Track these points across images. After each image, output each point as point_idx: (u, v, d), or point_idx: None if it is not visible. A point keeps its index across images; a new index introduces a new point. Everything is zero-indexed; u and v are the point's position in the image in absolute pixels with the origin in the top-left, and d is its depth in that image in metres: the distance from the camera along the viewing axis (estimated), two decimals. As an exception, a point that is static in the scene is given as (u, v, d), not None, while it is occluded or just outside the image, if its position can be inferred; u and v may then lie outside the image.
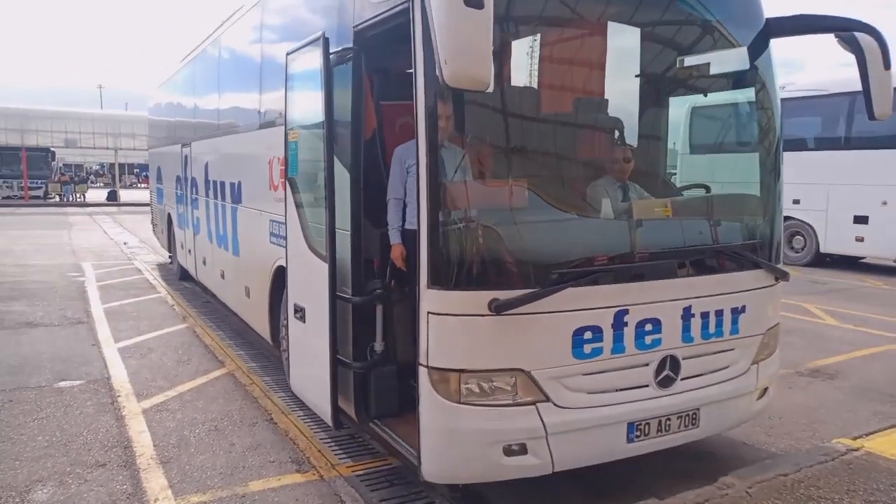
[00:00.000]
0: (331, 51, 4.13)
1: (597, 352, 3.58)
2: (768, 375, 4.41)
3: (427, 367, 3.45)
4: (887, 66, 3.94)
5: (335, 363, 4.24)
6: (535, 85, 4.18)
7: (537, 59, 4.05)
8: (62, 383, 6.02)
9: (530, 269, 3.51)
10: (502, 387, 3.44)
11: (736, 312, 4.06)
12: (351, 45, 4.05)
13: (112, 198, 38.12)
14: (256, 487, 4.09)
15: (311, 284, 4.59)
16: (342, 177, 4.17)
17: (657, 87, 4.75)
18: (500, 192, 3.70)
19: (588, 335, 3.55)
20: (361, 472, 4.31)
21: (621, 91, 4.57)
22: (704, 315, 3.91)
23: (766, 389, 4.46)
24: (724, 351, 4.08)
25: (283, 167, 5.22)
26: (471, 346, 3.43)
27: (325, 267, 4.28)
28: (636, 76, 4.54)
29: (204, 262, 9.34)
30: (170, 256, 12.77)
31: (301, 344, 4.98)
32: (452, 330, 3.41)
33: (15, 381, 6.08)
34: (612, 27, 4.21)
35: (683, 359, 3.86)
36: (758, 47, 4.29)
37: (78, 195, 38.94)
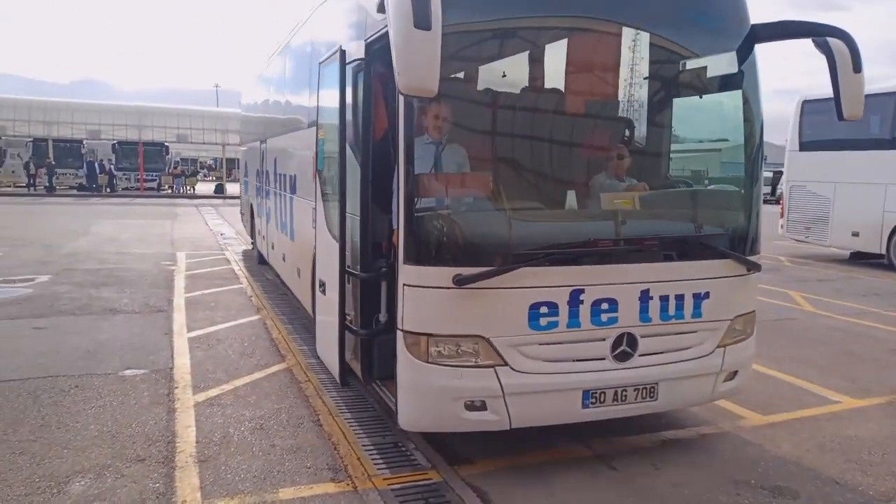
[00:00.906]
0: (347, 61, 4.71)
1: (552, 325, 4.01)
2: (738, 360, 4.64)
3: (402, 330, 3.98)
4: (857, 69, 4.19)
5: (343, 329, 4.85)
6: (504, 89, 4.76)
7: (507, 64, 4.67)
8: (127, 371, 6.14)
9: (490, 250, 3.94)
10: (465, 350, 3.92)
11: (699, 298, 4.35)
12: (363, 55, 4.49)
13: (219, 191, 40.01)
14: (286, 496, 3.92)
15: (329, 262, 5.19)
16: (353, 169, 4.65)
17: (642, 90, 5.08)
18: (465, 183, 4.22)
19: (544, 310, 3.97)
20: (398, 486, 4.05)
21: (599, 94, 5.09)
22: (664, 298, 4.24)
23: (735, 373, 4.68)
24: (685, 332, 4.37)
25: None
26: (438, 314, 3.92)
27: (337, 246, 4.88)
28: (620, 80, 4.95)
29: (272, 247, 10.17)
30: (252, 242, 13.72)
31: (323, 313, 5.67)
32: (423, 299, 3.91)
33: (87, 366, 6.26)
34: (598, 33, 4.73)
35: (641, 337, 4.21)
36: (744, 52, 4.63)
37: (188, 187, 41.17)
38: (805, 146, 15.49)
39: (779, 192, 53.08)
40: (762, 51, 4.67)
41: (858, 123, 15.55)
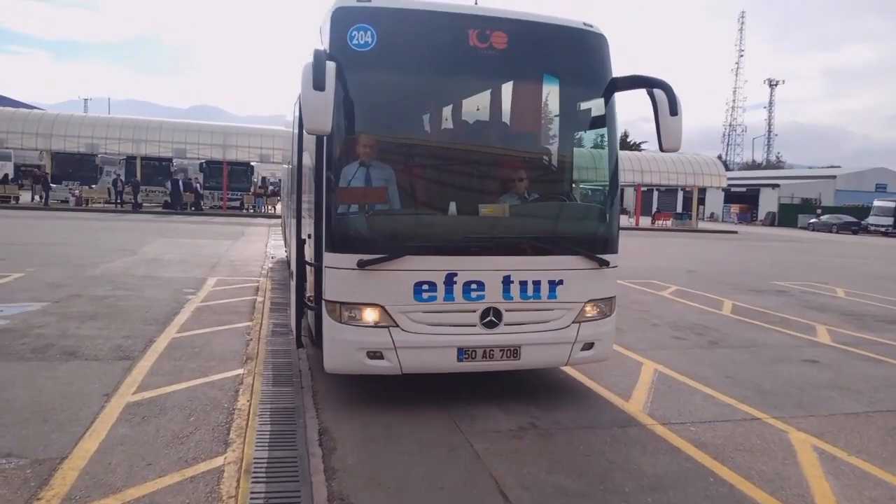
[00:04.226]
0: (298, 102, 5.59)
1: (431, 298, 5.43)
2: (593, 333, 5.97)
3: (325, 300, 5.46)
4: (673, 112, 5.49)
5: (300, 305, 6.29)
6: (405, 131, 6.18)
7: (407, 113, 6.24)
8: (2, 462, 4.35)
9: (383, 242, 5.37)
10: (367, 315, 5.38)
11: (553, 283, 5.70)
12: None
13: (299, 210, 39.36)
14: None
15: (293, 255, 6.25)
16: (310, 183, 5.96)
17: (529, 129, 6.51)
18: (368, 195, 5.59)
19: (425, 287, 5.41)
20: None
21: (487, 134, 6.47)
22: (523, 282, 5.61)
23: (591, 344, 5.99)
24: (542, 309, 5.72)
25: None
26: (348, 288, 5.38)
27: (294, 243, 6.69)
28: (505, 122, 6.29)
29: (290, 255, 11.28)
30: (286, 251, 14.72)
31: (292, 294, 6.90)
32: (338, 277, 5.39)
33: (-41, 447, 4.54)
34: (488, 86, 6.21)
35: (506, 311, 5.59)
36: (607, 97, 5.98)
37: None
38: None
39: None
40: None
41: None
